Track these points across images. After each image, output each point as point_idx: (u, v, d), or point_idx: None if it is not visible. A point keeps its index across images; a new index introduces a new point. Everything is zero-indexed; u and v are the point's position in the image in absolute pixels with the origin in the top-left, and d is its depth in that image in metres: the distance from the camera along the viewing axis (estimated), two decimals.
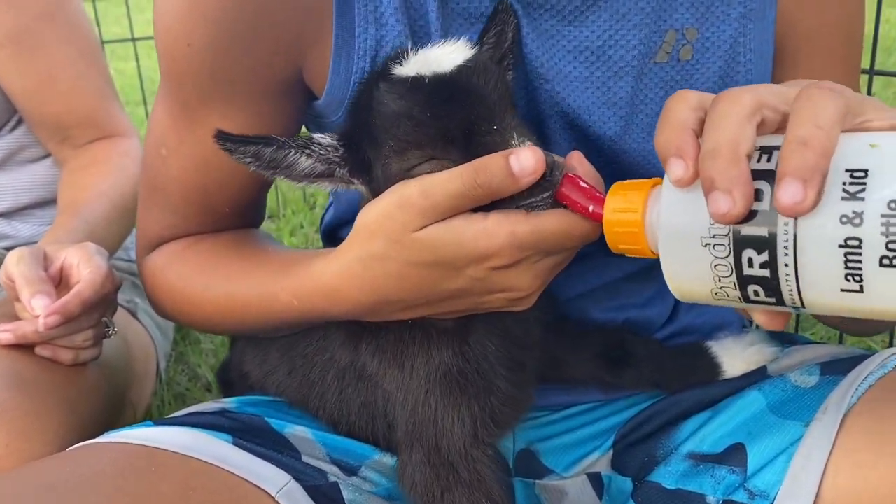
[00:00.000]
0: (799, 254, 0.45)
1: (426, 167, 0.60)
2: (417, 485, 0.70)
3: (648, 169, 0.75)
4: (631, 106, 0.73)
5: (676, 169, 0.48)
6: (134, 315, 1.16)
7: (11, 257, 0.82)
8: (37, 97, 1.11)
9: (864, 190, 0.43)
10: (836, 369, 0.73)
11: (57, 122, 1.14)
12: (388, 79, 0.60)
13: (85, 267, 0.82)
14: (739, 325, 0.90)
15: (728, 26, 0.73)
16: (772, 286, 0.47)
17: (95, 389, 0.87)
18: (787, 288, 0.46)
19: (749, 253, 0.47)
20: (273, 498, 0.66)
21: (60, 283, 0.84)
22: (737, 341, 0.82)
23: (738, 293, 0.49)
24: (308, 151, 0.63)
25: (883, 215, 0.42)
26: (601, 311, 0.84)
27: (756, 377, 0.78)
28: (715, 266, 0.48)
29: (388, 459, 0.77)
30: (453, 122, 0.58)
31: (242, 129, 0.73)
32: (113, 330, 0.88)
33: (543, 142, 0.74)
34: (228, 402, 0.79)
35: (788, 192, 0.43)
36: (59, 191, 1.14)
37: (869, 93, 1.24)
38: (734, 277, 0.48)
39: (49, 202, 1.20)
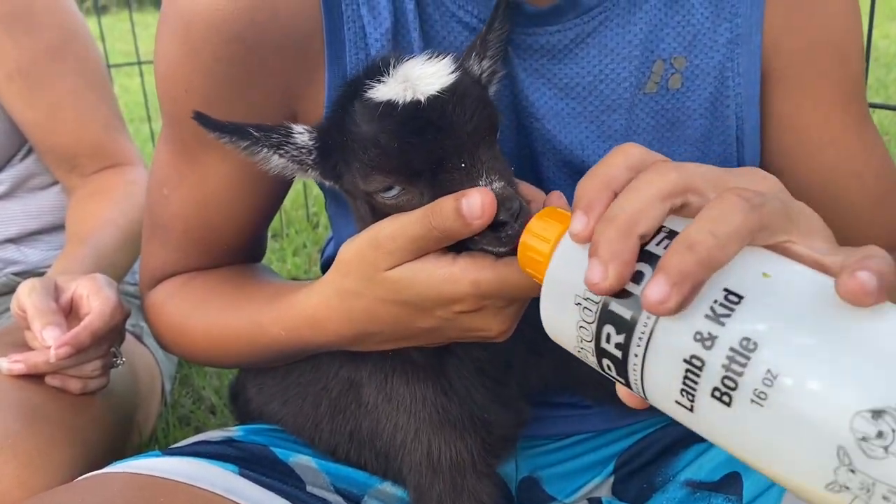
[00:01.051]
0: (649, 350, 0.44)
1: (392, 193, 0.59)
2: (425, 494, 0.71)
3: None
4: (625, 138, 0.74)
5: (577, 223, 0.47)
6: (139, 339, 1.18)
7: (23, 288, 0.84)
8: (45, 128, 1.13)
9: (728, 316, 0.41)
10: None
11: (65, 151, 1.16)
12: (362, 98, 0.59)
13: (95, 298, 0.84)
14: None
15: (716, 52, 0.74)
16: (621, 368, 0.46)
17: (103, 418, 0.89)
18: (633, 376, 0.45)
19: (609, 329, 0.45)
20: None
21: (70, 313, 0.86)
22: None
23: (594, 359, 0.48)
24: (281, 152, 0.63)
25: (731, 349, 0.40)
26: None
27: None
28: (580, 327, 0.48)
29: (390, 489, 0.79)
30: (420, 154, 0.57)
31: (239, 169, 0.76)
32: (121, 360, 0.90)
33: (538, 179, 0.75)
34: (234, 431, 0.81)
35: (654, 289, 0.41)
36: (68, 219, 1.16)
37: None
38: (593, 345, 0.47)
39: (57, 228, 1.22)
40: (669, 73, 0.74)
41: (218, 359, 0.81)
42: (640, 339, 0.44)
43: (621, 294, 0.45)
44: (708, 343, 0.41)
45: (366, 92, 0.59)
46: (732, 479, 0.74)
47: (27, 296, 0.83)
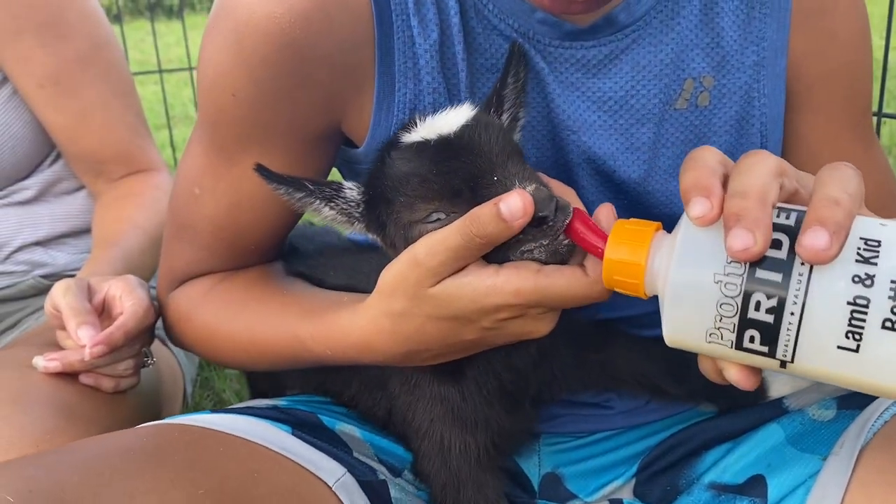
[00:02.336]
0: (807, 304, 0.47)
1: (434, 218, 0.63)
2: (434, 486, 0.76)
3: (671, 208, 0.78)
4: (653, 150, 0.77)
5: (701, 206, 0.50)
6: (163, 341, 1.19)
7: (58, 288, 0.86)
8: (73, 134, 1.15)
9: (877, 257, 0.46)
10: (852, 403, 0.76)
11: (92, 157, 1.18)
12: (396, 146, 0.65)
13: (128, 299, 0.86)
14: None
15: (743, 73, 0.77)
16: (771, 333, 0.48)
17: (132, 417, 0.90)
18: (785, 337, 0.48)
19: (759, 296, 0.48)
20: (330, 488, 0.69)
21: (103, 313, 0.87)
22: None
23: (733, 336, 0.50)
24: (332, 204, 0.68)
25: (892, 281, 0.46)
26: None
27: (775, 411, 0.80)
28: (720, 305, 0.50)
29: None
30: (457, 177, 0.61)
31: (277, 169, 0.77)
32: (151, 360, 0.91)
33: (573, 188, 0.77)
34: (279, 401, 0.82)
35: (814, 238, 0.46)
36: (95, 223, 1.18)
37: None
38: (736, 318, 0.49)
39: (83, 231, 1.24)
40: (699, 91, 0.77)
41: (251, 366, 0.84)
42: (795, 295, 0.47)
43: (765, 261, 0.48)
44: (868, 282, 0.46)
45: (397, 143, 0.65)
46: (757, 481, 0.75)
47: (62, 296, 0.84)
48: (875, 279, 0.46)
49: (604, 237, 0.57)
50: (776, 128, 0.79)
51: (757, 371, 0.52)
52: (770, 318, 0.48)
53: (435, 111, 0.69)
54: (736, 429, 0.81)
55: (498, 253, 0.60)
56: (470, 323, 0.63)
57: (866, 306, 0.46)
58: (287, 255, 0.90)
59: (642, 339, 0.83)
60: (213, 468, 0.64)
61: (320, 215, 0.68)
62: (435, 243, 0.60)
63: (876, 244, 0.47)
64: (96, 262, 1.04)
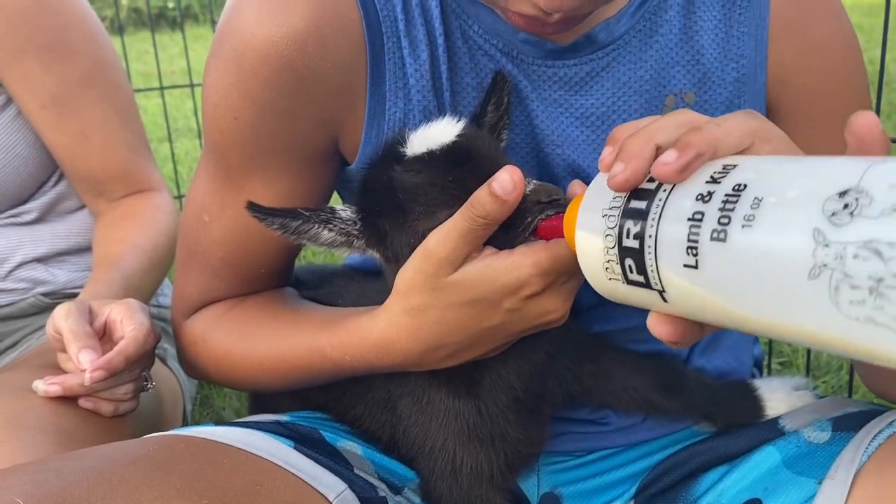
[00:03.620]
0: (660, 226, 0.49)
1: None
2: (442, 499, 0.77)
3: None
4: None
5: (606, 152, 0.55)
6: (164, 361, 1.20)
7: (59, 311, 0.86)
8: (75, 154, 1.16)
9: (724, 176, 0.47)
10: (847, 425, 0.76)
11: (93, 176, 1.19)
12: (400, 160, 0.67)
13: (128, 323, 0.86)
14: (749, 371, 0.94)
15: (724, 90, 0.79)
16: (639, 259, 0.50)
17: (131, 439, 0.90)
18: (649, 261, 0.49)
19: (629, 223, 0.51)
20: (331, 503, 0.70)
21: (104, 336, 0.88)
22: (783, 384, 0.85)
23: (619, 268, 0.52)
24: (330, 226, 0.70)
25: (726, 195, 0.45)
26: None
27: (771, 432, 0.81)
28: (606, 236, 0.52)
29: None
30: (470, 180, 0.65)
31: (284, 193, 0.79)
32: (151, 384, 0.92)
33: None
34: (282, 416, 0.83)
35: (664, 155, 0.48)
36: (95, 243, 1.19)
37: None
38: (616, 249, 0.52)
39: (84, 249, 1.24)
40: (680, 107, 0.78)
41: (269, 386, 0.83)
42: (653, 219, 0.49)
43: (638, 192, 0.51)
44: (707, 198, 0.46)
45: (402, 157, 0.67)
46: None
47: (63, 319, 0.85)
48: (713, 195, 0.46)
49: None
50: None
51: (670, 319, 0.52)
52: (636, 244, 0.50)
53: (419, 123, 0.72)
54: (733, 450, 0.81)
55: (507, 241, 0.64)
56: (492, 306, 0.65)
57: (701, 220, 0.46)
58: (295, 288, 0.92)
59: (634, 353, 0.84)
60: (218, 480, 0.64)
61: (319, 240, 0.70)
62: (444, 233, 0.63)
63: (732, 167, 0.47)
64: (97, 284, 1.04)
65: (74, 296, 1.18)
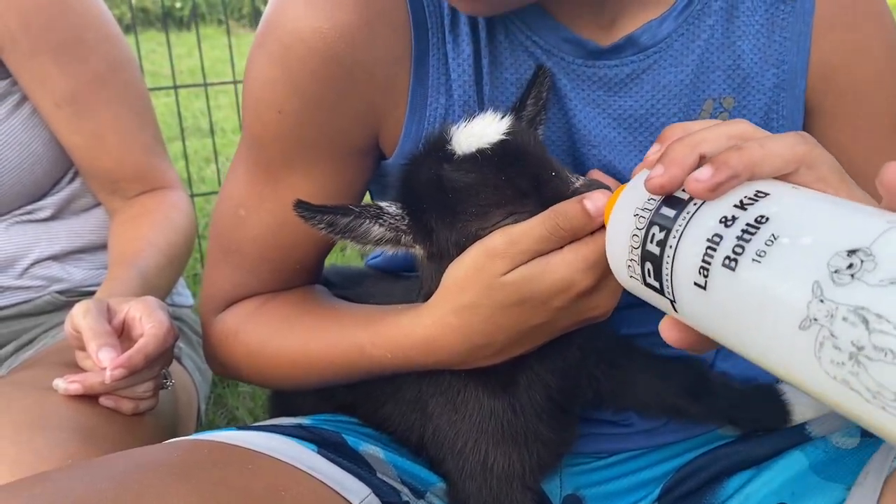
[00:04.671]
0: (681, 239, 0.49)
1: (509, 221, 0.66)
2: (471, 499, 0.76)
3: None
4: None
5: (651, 149, 0.55)
6: (178, 360, 1.19)
7: (78, 309, 0.86)
8: (90, 153, 1.16)
9: (752, 205, 0.46)
10: None
11: (108, 175, 1.18)
12: (449, 159, 0.67)
13: (148, 321, 0.86)
14: (773, 377, 0.93)
15: (763, 95, 0.78)
16: (657, 265, 0.51)
17: (151, 438, 0.90)
18: (665, 270, 0.50)
19: (655, 229, 0.51)
20: None
21: (122, 334, 0.87)
22: None
23: (639, 268, 0.53)
24: (380, 221, 0.69)
25: (747, 223, 0.45)
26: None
27: (798, 437, 0.80)
28: (633, 236, 0.53)
29: None
30: (523, 179, 0.65)
31: (322, 187, 0.78)
32: (171, 381, 0.91)
33: None
34: (304, 420, 0.82)
35: (699, 171, 0.48)
36: (111, 241, 1.18)
37: None
38: (640, 250, 0.52)
39: (99, 248, 1.24)
40: (718, 112, 0.78)
41: (303, 382, 0.83)
42: (677, 230, 0.49)
43: (671, 200, 0.51)
44: (729, 223, 0.46)
45: (450, 155, 0.67)
46: None
47: (82, 317, 0.84)
48: (736, 222, 0.46)
49: None
50: None
51: (680, 325, 0.52)
52: (658, 251, 0.50)
53: (461, 118, 0.71)
54: (758, 454, 0.80)
55: None
56: (542, 305, 0.65)
57: (718, 244, 0.46)
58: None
59: (659, 357, 0.83)
60: (241, 485, 0.64)
61: (368, 237, 0.69)
62: (517, 234, 0.63)
63: (762, 196, 0.47)
64: (114, 282, 1.04)
65: (90, 294, 1.17)
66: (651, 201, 0.52)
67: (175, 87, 2.04)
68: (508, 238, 0.64)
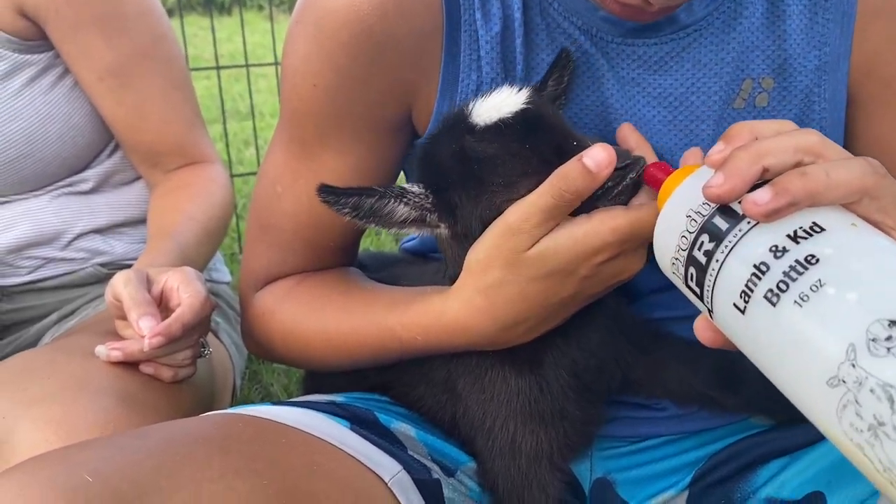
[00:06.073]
0: (729, 256, 0.49)
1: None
2: (498, 487, 0.76)
3: None
4: (711, 147, 0.76)
5: (716, 148, 0.53)
6: (215, 334, 1.21)
7: (119, 279, 0.88)
8: (131, 126, 1.17)
9: (806, 239, 0.46)
10: None
11: (149, 148, 1.20)
12: (471, 131, 0.66)
13: (185, 291, 0.87)
14: None
15: (804, 77, 0.77)
16: (701, 274, 0.51)
17: (188, 407, 0.91)
18: (708, 281, 0.50)
19: (704, 237, 0.51)
20: (385, 484, 0.70)
21: (160, 304, 0.89)
22: None
23: (683, 268, 0.53)
24: (405, 200, 0.69)
25: (796, 260, 0.45)
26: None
27: None
28: (682, 236, 0.53)
29: None
30: (548, 148, 0.65)
31: (356, 164, 0.79)
32: (208, 350, 0.93)
33: None
34: (337, 397, 0.83)
35: (758, 193, 0.47)
36: (150, 213, 1.20)
37: None
38: (686, 252, 0.52)
39: (140, 221, 1.26)
40: (757, 92, 0.77)
41: (336, 363, 0.84)
42: (726, 246, 0.49)
43: (726, 211, 0.50)
44: (779, 254, 0.46)
45: (471, 128, 0.66)
46: (816, 498, 0.73)
47: (123, 286, 0.86)
48: (786, 254, 0.46)
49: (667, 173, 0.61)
50: (836, 131, 0.79)
51: (714, 327, 0.52)
52: (704, 260, 0.50)
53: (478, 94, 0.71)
54: (792, 444, 0.79)
55: (582, 208, 0.64)
56: (569, 276, 0.65)
57: (764, 273, 0.46)
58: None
59: (691, 345, 0.82)
60: (276, 459, 0.65)
61: (393, 218, 0.69)
62: (527, 207, 0.63)
63: (818, 231, 0.46)
64: (153, 253, 1.06)
65: (131, 267, 1.20)
66: (706, 206, 0.52)
67: (217, 68, 2.06)
68: (520, 213, 0.63)
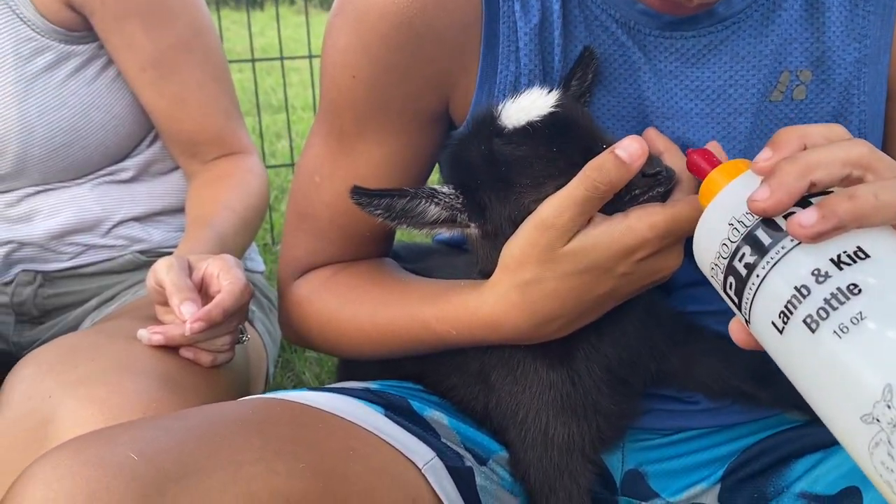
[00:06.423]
0: (771, 273, 0.49)
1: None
2: (530, 477, 0.77)
3: None
4: (749, 141, 0.77)
5: (763, 155, 0.52)
6: (250, 322, 1.23)
7: (161, 265, 0.89)
8: (172, 116, 1.20)
9: (850, 265, 0.45)
10: None
11: (188, 139, 1.22)
12: (499, 133, 0.68)
13: (225, 278, 0.89)
14: None
15: (843, 70, 0.76)
16: (741, 286, 0.51)
17: (226, 391, 0.93)
18: (748, 294, 0.50)
19: (746, 249, 0.51)
20: (419, 470, 0.71)
21: (200, 290, 0.91)
22: None
23: (722, 276, 0.53)
24: (436, 200, 0.70)
25: (838, 288, 0.45)
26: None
27: None
28: (722, 244, 0.53)
29: None
30: (575, 150, 0.66)
31: (393, 156, 0.80)
32: (246, 336, 0.95)
33: None
34: (371, 384, 0.84)
35: (805, 214, 0.47)
36: (189, 202, 1.22)
37: None
38: (726, 261, 0.52)
39: (177, 210, 1.28)
40: (794, 85, 0.77)
41: (370, 352, 0.85)
42: (768, 262, 0.49)
43: (770, 224, 0.50)
44: (821, 279, 0.46)
45: (500, 130, 0.67)
46: (851, 493, 0.73)
47: (165, 273, 0.88)
48: (828, 280, 0.45)
49: (711, 162, 0.61)
50: (876, 124, 0.78)
51: (749, 331, 0.53)
52: (744, 272, 0.51)
53: (507, 95, 0.72)
54: (828, 439, 0.78)
55: (614, 208, 0.65)
56: (606, 272, 0.65)
57: (804, 297, 0.46)
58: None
59: (725, 339, 0.81)
60: (314, 443, 0.66)
61: (425, 218, 0.70)
62: (560, 202, 0.63)
63: (863, 257, 0.46)
64: (192, 241, 1.08)
65: (168, 254, 1.22)
66: (749, 216, 0.51)
67: (253, 61, 2.08)
68: (554, 207, 0.64)
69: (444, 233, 0.73)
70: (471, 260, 0.83)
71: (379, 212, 0.70)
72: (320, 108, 0.84)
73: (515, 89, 0.75)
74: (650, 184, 0.65)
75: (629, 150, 0.61)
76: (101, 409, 0.78)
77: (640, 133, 0.77)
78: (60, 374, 0.83)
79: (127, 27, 1.13)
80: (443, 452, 0.74)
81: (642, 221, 0.63)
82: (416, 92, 0.77)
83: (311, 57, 2.20)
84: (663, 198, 0.65)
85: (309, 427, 0.69)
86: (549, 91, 0.68)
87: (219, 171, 1.23)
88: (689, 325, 0.82)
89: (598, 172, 0.61)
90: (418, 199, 0.69)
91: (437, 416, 0.81)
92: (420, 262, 0.92)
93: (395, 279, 0.84)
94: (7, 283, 1.20)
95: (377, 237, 0.88)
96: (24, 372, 0.87)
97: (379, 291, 0.82)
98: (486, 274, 0.73)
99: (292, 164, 2.25)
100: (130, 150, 1.24)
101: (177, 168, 1.29)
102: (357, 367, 0.94)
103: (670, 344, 0.80)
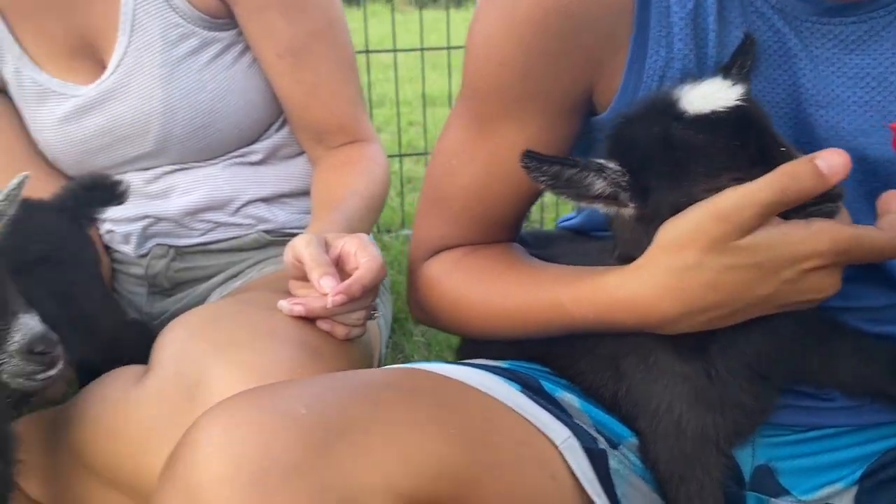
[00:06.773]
0: None
1: (733, 186, 0.65)
2: (659, 464, 0.77)
3: None
4: None
5: None
6: None
7: (300, 240, 0.93)
8: (303, 104, 1.24)
9: None
10: None
11: (317, 126, 1.26)
12: (680, 118, 0.67)
13: (362, 255, 0.91)
14: None
15: None
16: None
17: (356, 364, 0.96)
18: None
19: None
20: (556, 448, 0.71)
21: (336, 267, 0.94)
22: None
23: None
24: (603, 175, 0.69)
25: None
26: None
27: None
28: None
29: None
30: (755, 149, 0.65)
31: (533, 143, 0.80)
32: (378, 313, 0.98)
33: None
34: (502, 363, 0.85)
35: None
36: (315, 186, 1.26)
37: None
38: None
39: (301, 193, 1.33)
40: None
41: (500, 332, 0.86)
42: None
43: None
44: None
45: (679, 114, 0.67)
46: None
47: (305, 247, 0.92)
48: None
49: None
50: None
51: None
52: None
53: (683, 79, 0.71)
54: None
55: (783, 214, 0.64)
56: (771, 274, 0.65)
57: None
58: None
59: (865, 336, 0.80)
60: (458, 411, 0.68)
61: (589, 192, 0.69)
62: (742, 198, 0.63)
63: None
64: (321, 222, 1.11)
65: (292, 235, 1.26)
66: None
67: (367, 52, 2.13)
68: (735, 202, 0.63)
69: (601, 209, 0.72)
70: (602, 246, 0.83)
71: (544, 178, 0.69)
72: (461, 94, 0.86)
73: (665, 75, 0.75)
74: (824, 199, 0.64)
75: (831, 162, 0.60)
76: (250, 372, 0.82)
77: (797, 120, 0.77)
78: (209, 339, 0.88)
79: (267, 15, 1.18)
80: (578, 433, 0.75)
81: (825, 233, 0.62)
82: (566, 79, 0.78)
83: (423, 49, 2.23)
84: (827, 216, 0.65)
85: (451, 396, 0.70)
86: (734, 84, 0.67)
87: (344, 158, 1.26)
88: (831, 322, 0.80)
89: (793, 179, 0.61)
90: (587, 171, 0.69)
91: (567, 397, 0.81)
92: (546, 249, 0.93)
93: (526, 262, 0.85)
94: (142, 256, 1.27)
95: (508, 222, 0.89)
96: (174, 334, 0.92)
97: (511, 272, 0.83)
98: (626, 259, 0.73)
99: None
100: (260, 134, 1.29)
101: (302, 153, 1.33)
102: (481, 346, 0.96)
103: (812, 341, 0.78)
